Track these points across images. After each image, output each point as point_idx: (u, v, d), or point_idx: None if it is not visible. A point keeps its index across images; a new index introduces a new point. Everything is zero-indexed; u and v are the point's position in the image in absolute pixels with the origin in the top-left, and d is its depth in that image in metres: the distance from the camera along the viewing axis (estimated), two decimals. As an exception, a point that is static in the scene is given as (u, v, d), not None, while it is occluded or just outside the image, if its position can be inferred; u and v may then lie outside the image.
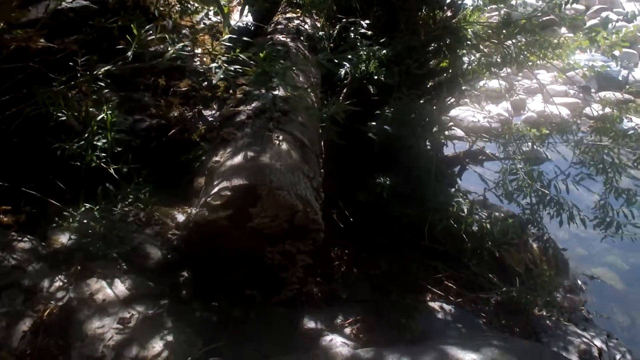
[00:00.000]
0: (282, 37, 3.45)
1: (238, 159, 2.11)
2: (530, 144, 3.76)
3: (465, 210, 2.82)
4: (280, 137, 2.26)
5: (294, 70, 2.87)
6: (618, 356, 3.76)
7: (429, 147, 4.15)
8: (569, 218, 3.22)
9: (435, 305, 3.68)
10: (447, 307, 3.67)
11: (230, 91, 2.68)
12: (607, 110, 4.14)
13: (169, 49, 2.21)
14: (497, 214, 4.29)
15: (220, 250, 2.10)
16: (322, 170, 2.51)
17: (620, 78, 6.51)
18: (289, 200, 1.94)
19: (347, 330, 3.20)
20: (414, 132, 2.96)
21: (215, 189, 1.97)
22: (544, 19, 7.09)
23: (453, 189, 2.87)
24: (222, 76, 1.96)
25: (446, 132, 4.76)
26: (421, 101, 3.82)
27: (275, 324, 2.16)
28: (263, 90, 2.56)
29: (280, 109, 2.46)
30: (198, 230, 2.00)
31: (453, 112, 6.08)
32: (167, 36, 2.20)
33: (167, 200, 3.36)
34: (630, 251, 4.77)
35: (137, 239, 2.73)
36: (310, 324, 2.83)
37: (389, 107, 3.07)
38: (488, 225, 4.02)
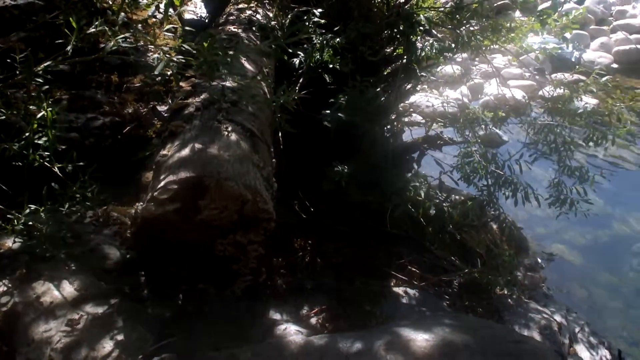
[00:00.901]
0: (234, 27, 3.40)
1: (185, 151, 2.07)
2: (487, 127, 3.79)
3: (423, 195, 2.84)
4: (230, 128, 2.23)
5: (243, 60, 2.83)
6: (577, 329, 3.86)
7: (388, 134, 4.18)
8: (524, 198, 3.28)
9: (399, 290, 3.71)
10: (411, 291, 3.71)
11: (181, 84, 2.63)
12: (559, 91, 4.21)
13: (110, 41, 2.15)
14: (457, 197, 4.34)
15: (170, 245, 2.06)
16: (273, 160, 2.49)
17: (572, 59, 6.67)
18: (238, 191, 1.92)
19: (313, 320, 3.21)
20: (368, 119, 2.96)
21: (162, 183, 1.93)
22: (498, 3, 7.22)
23: (410, 174, 2.88)
24: (162, 68, 1.91)
25: (405, 119, 4.80)
26: (377, 89, 3.83)
27: (230, 316, 2.14)
28: (213, 82, 2.53)
29: (229, 99, 2.42)
30: (146, 226, 1.96)
31: (413, 98, 6.13)
32: (106, 28, 2.13)
33: (124, 198, 3.30)
34: (586, 227, 4.90)
35: (95, 240, 2.67)
36: (276, 316, 2.82)
37: (343, 94, 3.06)
38: (449, 209, 4.08)
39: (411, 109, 5.96)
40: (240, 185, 1.92)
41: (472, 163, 3.19)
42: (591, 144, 3.53)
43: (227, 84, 2.50)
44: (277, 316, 2.83)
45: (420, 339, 1.60)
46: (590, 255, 4.70)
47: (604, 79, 6.14)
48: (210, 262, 2.11)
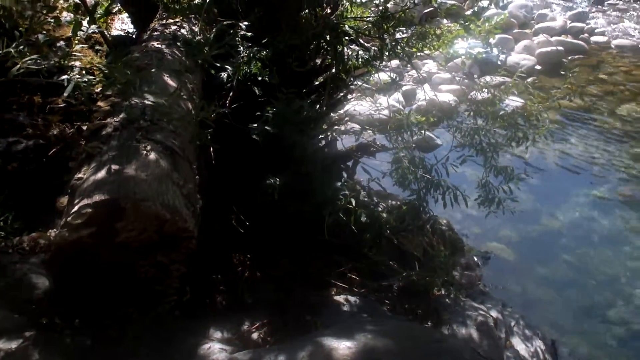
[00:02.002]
0: (157, 43, 3.35)
1: (101, 173, 2.01)
2: (422, 132, 3.89)
3: (354, 202, 2.87)
4: (149, 147, 2.19)
5: (165, 76, 2.79)
6: (512, 323, 4.01)
7: (322, 143, 4.22)
8: (453, 199, 3.38)
9: (340, 298, 3.74)
10: (352, 298, 3.75)
11: (99, 103, 2.56)
12: (484, 94, 4.35)
13: (17, 62, 2.07)
14: (393, 202, 4.43)
15: (90, 270, 2.00)
16: (197, 177, 2.46)
17: (499, 62, 6.97)
18: (155, 211, 1.88)
19: (255, 335, 3.18)
20: (297, 130, 2.98)
21: (76, 207, 1.87)
22: (427, 10, 7.44)
23: (339, 183, 2.91)
24: (70, 90, 1.86)
25: (341, 127, 4.86)
26: (305, 100, 3.87)
27: (159, 339, 2.09)
28: (133, 100, 2.48)
29: (149, 118, 2.38)
30: (61, 253, 1.89)
31: (349, 107, 6.22)
32: (11, 50, 2.05)
33: (50, 223, 3.17)
34: (518, 224, 5.09)
35: (21, 270, 2.55)
36: (215, 334, 2.79)
37: (270, 107, 3.07)
38: (385, 214, 4.15)
39: (347, 118, 6.05)
40: (158, 205, 1.88)
41: (400, 169, 3.26)
42: (513, 144, 3.69)
43: (148, 101, 2.45)
44: (217, 334, 2.80)
45: (342, 347, 1.62)
46: (523, 251, 4.89)
47: (529, 80, 6.46)
48: (133, 285, 2.05)
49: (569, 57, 7.83)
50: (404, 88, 6.36)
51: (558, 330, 4.21)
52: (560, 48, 7.60)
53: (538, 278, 4.67)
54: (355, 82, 4.41)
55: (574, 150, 6.09)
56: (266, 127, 2.81)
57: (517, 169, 5.54)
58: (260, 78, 3.49)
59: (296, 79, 3.77)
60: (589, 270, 4.74)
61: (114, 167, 2.02)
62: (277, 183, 3.04)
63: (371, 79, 5.31)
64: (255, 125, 2.93)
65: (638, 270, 4.70)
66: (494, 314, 3.90)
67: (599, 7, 9.74)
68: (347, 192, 2.81)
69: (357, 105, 5.82)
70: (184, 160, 2.30)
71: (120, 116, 2.40)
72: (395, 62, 6.38)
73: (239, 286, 3.60)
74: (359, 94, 5.81)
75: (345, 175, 2.91)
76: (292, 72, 3.72)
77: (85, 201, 1.87)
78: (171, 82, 2.77)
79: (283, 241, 3.68)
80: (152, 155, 2.14)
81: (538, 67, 7.31)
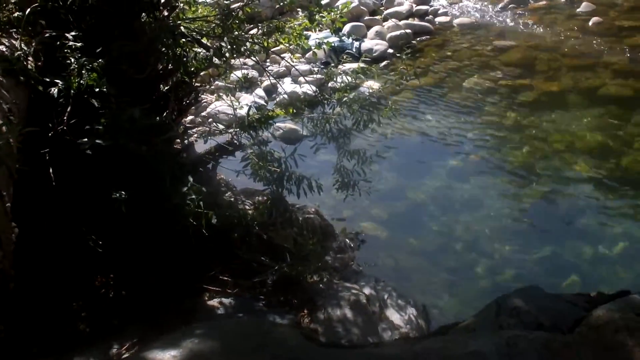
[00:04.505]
0: (-31, 63, 3.04)
1: None
2: (270, 126, 3.92)
3: (202, 205, 2.83)
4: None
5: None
6: (386, 296, 4.20)
7: (179, 147, 4.11)
8: (309, 188, 3.47)
9: (214, 302, 3.70)
10: (226, 300, 3.72)
11: None
12: (340, 82, 4.47)
13: None
14: (260, 198, 4.46)
15: None
16: (8, 204, 2.26)
17: (353, 50, 7.24)
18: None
19: (126, 355, 3.05)
20: (135, 140, 2.87)
21: None
22: (283, 3, 7.52)
23: (185, 188, 2.86)
24: None
25: (205, 128, 4.78)
26: (156, 106, 3.75)
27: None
28: None
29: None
30: None
31: (213, 107, 6.14)
32: None
33: None
34: (386, 201, 5.35)
35: None
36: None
37: (103, 118, 2.92)
38: (251, 211, 4.17)
39: (210, 119, 5.98)
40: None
41: (250, 165, 3.27)
42: (361, 126, 3.85)
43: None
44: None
45: (167, 357, 1.60)
46: (393, 226, 5.13)
47: (382, 63, 6.75)
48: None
49: (417, 39, 8.36)
50: (265, 83, 6.40)
51: (429, 294, 4.47)
52: (408, 31, 8.08)
53: (408, 249, 4.92)
54: (203, 85, 4.36)
55: (429, 125, 6.52)
56: (97, 141, 2.67)
57: (380, 150, 5.86)
58: (97, 89, 3.32)
59: (138, 86, 3.63)
60: (453, 235, 5.08)
61: None
62: (124, 197, 2.91)
63: (227, 77, 5.30)
64: (86, 140, 2.77)
65: (496, 228, 5.11)
66: (367, 290, 4.06)
67: (441, -12, 10.46)
68: (194, 197, 2.75)
69: (222, 105, 5.78)
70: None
71: None
72: (254, 59, 6.38)
73: (103, 309, 3.44)
74: (221, 94, 5.76)
75: (191, 179, 2.85)
76: (132, 80, 3.58)
77: None
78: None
79: (147, 254, 3.55)
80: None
81: (390, 50, 7.71)
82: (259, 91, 6.44)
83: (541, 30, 8.57)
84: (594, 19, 8.51)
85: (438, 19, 9.00)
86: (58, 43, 3.44)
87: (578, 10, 9.02)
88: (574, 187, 5.45)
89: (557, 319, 1.82)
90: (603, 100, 6.64)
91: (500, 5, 9.49)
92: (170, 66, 3.85)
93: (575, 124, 6.28)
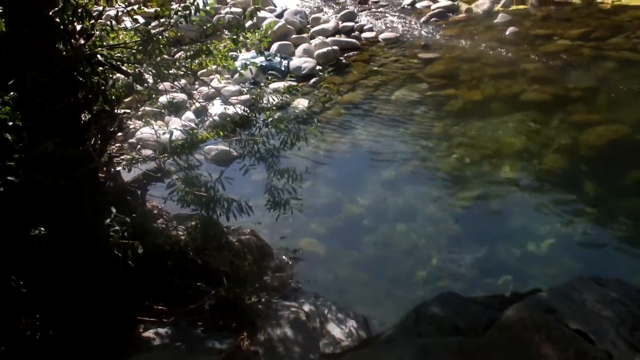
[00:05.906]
0: None
1: None
2: (192, 152, 3.87)
3: (127, 236, 2.77)
4: None
5: None
6: (326, 311, 4.23)
7: (104, 177, 4.00)
8: (239, 210, 3.46)
9: (150, 334, 3.60)
10: (162, 330, 3.63)
11: None
12: (268, 101, 4.48)
13: None
14: (194, 222, 4.39)
15: None
16: None
17: (282, 68, 7.31)
18: None
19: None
20: (52, 174, 2.77)
21: None
22: (205, 27, 7.50)
23: (108, 220, 2.78)
24: None
25: (133, 155, 4.65)
26: (77, 137, 3.64)
27: None
28: None
29: None
30: None
31: (140, 133, 6.02)
32: None
33: None
34: (324, 217, 5.40)
35: None
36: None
37: (17, 154, 2.81)
38: (184, 237, 4.10)
39: (138, 145, 5.85)
40: None
41: (176, 191, 3.23)
42: (287, 146, 3.88)
43: None
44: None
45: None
46: (331, 241, 5.17)
47: (311, 81, 6.83)
48: None
49: (345, 55, 8.55)
50: (195, 106, 6.34)
51: (369, 305, 4.52)
52: (335, 47, 8.25)
53: (347, 262, 4.97)
54: (129, 112, 4.27)
55: (361, 138, 6.66)
56: (9, 178, 2.56)
57: (312, 167, 5.90)
58: (10, 123, 3.19)
59: (55, 118, 3.51)
60: (390, 245, 5.17)
61: None
62: (43, 233, 2.80)
63: (154, 102, 5.21)
64: (-4, 178, 2.65)
65: (431, 235, 5.24)
66: (306, 307, 4.07)
67: (365, 5, 10.78)
68: (117, 228, 2.69)
69: (150, 131, 5.66)
70: None
71: None
72: (183, 82, 6.30)
73: (29, 353, 3.27)
74: (149, 119, 5.64)
75: (114, 210, 2.78)
76: (49, 111, 3.47)
77: None
78: None
79: (74, 290, 3.42)
80: None
81: (318, 67, 7.83)
82: (189, 114, 6.37)
83: (462, 41, 8.96)
84: (510, 29, 9.00)
85: (364, 35, 9.25)
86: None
87: (495, 21, 9.51)
88: (502, 189, 5.69)
89: (472, 322, 1.90)
90: (523, 105, 6.99)
91: (422, 19, 9.87)
92: (89, 95, 3.76)
93: (499, 130, 6.58)
